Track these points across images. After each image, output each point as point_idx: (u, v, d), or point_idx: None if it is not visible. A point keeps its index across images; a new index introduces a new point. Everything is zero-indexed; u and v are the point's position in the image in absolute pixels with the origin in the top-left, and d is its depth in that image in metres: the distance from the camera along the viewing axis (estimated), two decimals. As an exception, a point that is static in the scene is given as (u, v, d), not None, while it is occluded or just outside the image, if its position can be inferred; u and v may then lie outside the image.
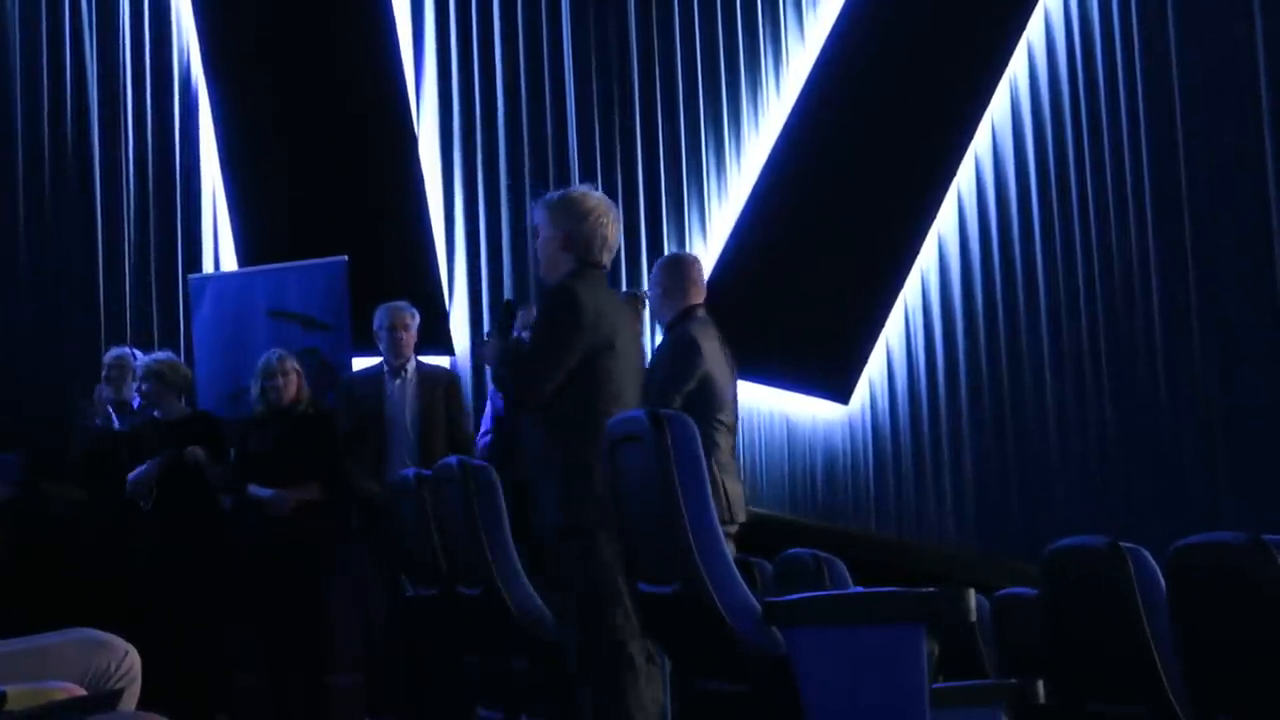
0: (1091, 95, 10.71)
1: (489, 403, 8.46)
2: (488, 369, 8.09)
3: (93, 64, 10.12)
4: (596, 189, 5.49)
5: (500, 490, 5.58)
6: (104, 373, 8.61)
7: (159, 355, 8.51)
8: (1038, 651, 4.89)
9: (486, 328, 5.29)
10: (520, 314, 7.69)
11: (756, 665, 3.76)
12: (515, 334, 5.46)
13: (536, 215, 5.38)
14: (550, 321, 5.18)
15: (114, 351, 8.74)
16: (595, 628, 4.95)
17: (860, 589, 5.19)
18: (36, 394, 9.53)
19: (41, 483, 8.77)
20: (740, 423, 10.39)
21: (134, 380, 8.51)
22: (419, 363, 8.45)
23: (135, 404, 8.59)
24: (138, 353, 8.72)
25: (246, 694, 8.16)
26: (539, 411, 5.17)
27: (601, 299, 5.26)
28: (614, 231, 5.33)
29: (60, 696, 3.16)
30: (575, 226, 5.25)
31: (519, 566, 5.46)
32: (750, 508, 9.84)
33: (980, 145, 10.75)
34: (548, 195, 5.46)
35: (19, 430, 9.05)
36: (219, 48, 10.28)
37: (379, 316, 8.33)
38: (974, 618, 3.67)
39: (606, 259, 5.34)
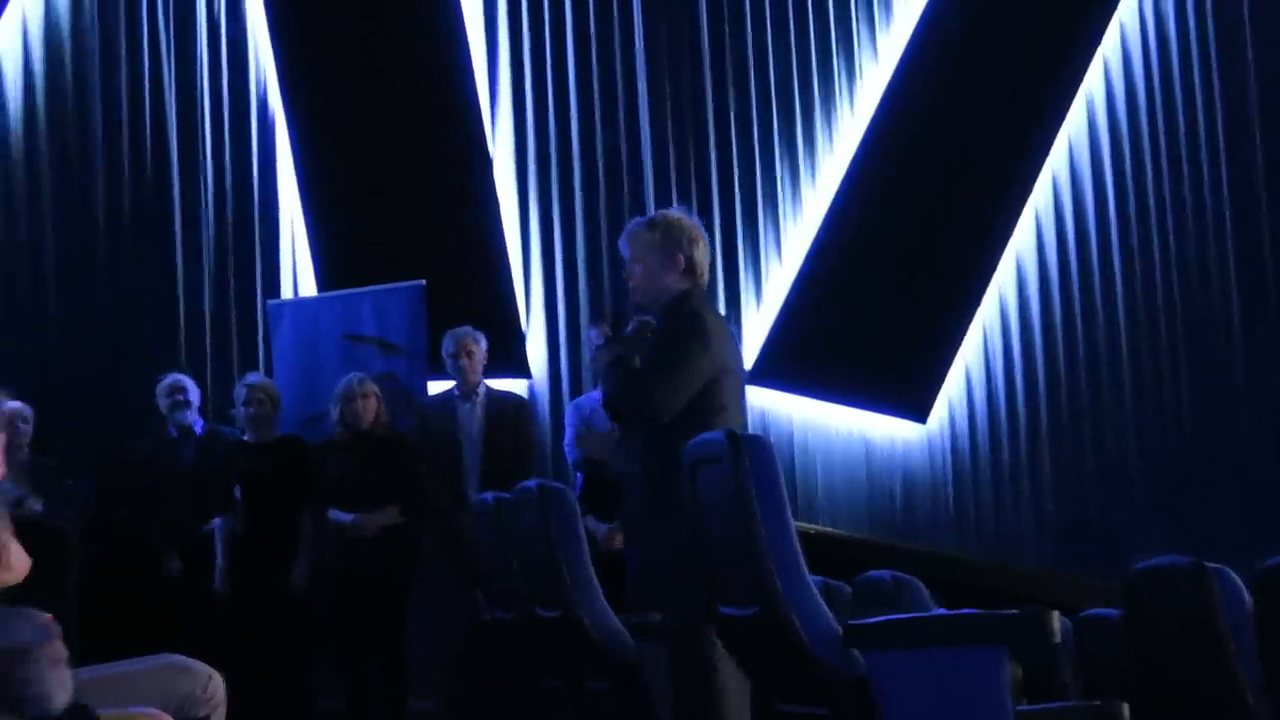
0: (1168, 111, 10.64)
1: (575, 415, 8.42)
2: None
3: (171, 92, 10.21)
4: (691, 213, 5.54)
5: (579, 513, 5.57)
6: (170, 398, 8.60)
7: (262, 378, 8.58)
8: (1121, 673, 4.85)
9: (589, 348, 5.31)
10: (594, 333, 7.69)
11: (837, 688, 3.74)
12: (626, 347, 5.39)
13: (640, 238, 5.33)
14: (679, 340, 5.11)
15: (175, 378, 8.72)
16: (694, 648, 4.91)
17: (941, 611, 5.14)
18: (115, 421, 9.58)
19: (118, 509, 8.82)
20: (816, 442, 10.46)
21: (192, 407, 8.57)
22: (488, 388, 8.47)
23: (199, 429, 8.62)
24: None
25: (328, 718, 8.18)
26: (656, 431, 5.08)
27: (722, 324, 5.30)
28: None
29: (147, 722, 3.18)
30: (691, 250, 5.26)
31: (598, 588, 5.45)
32: (829, 528, 9.85)
33: (1057, 163, 10.70)
34: (652, 217, 5.47)
35: (97, 457, 9.10)
36: (295, 75, 10.36)
37: (445, 343, 8.37)
38: (1058, 640, 3.63)
39: (705, 282, 5.40)
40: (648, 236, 5.30)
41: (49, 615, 1.86)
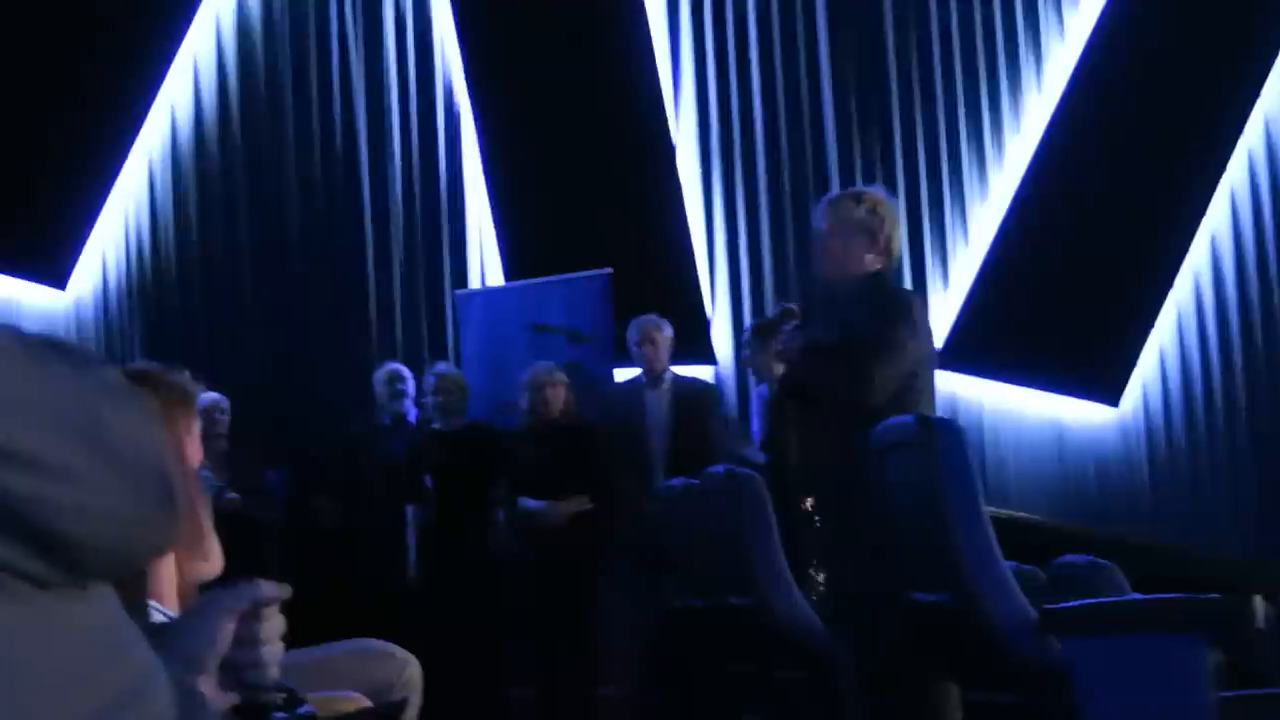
0: (1369, 82, 10.36)
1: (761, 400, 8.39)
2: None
3: (360, 89, 10.36)
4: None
5: (769, 500, 5.55)
6: (389, 386, 8.75)
7: (450, 367, 8.69)
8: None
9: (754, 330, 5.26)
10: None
11: (1033, 675, 3.69)
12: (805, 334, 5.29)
13: (841, 211, 5.23)
14: (891, 324, 4.98)
15: (394, 367, 8.91)
16: (885, 635, 4.85)
17: (1140, 596, 5.05)
18: (309, 411, 9.76)
19: (312, 498, 8.95)
20: (1007, 426, 10.33)
21: (409, 395, 8.71)
22: (675, 375, 8.46)
23: (412, 418, 8.76)
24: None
25: (518, 705, 8.25)
26: (848, 416, 4.93)
27: (924, 309, 5.20)
28: None
29: (349, 707, 3.22)
30: (892, 231, 5.17)
31: (789, 576, 5.43)
32: (1022, 513, 9.71)
33: (1253, 139, 10.46)
34: (857, 190, 5.38)
35: (292, 446, 9.27)
36: (481, 68, 10.46)
37: (630, 331, 8.37)
38: (1261, 625, 3.55)
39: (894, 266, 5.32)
40: (851, 211, 5.19)
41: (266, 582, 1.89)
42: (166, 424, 2.06)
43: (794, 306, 5.41)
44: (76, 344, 1.28)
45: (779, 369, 7.62)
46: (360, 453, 8.67)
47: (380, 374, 8.84)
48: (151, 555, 1.33)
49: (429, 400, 8.43)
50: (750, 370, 8.36)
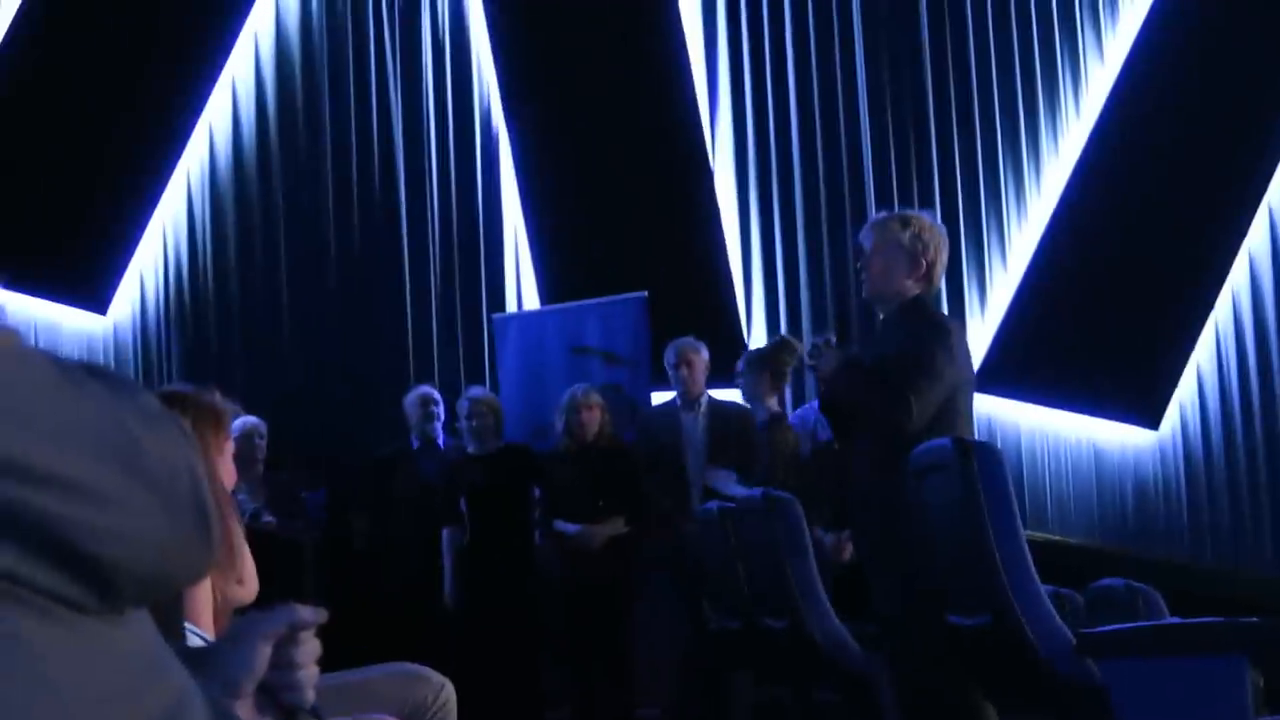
0: None
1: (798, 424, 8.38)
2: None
3: (397, 112, 10.41)
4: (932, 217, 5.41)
5: (804, 522, 5.54)
6: (423, 409, 8.78)
7: (484, 392, 8.69)
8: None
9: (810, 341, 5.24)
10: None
11: (1071, 698, 3.68)
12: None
13: (886, 232, 5.21)
14: (929, 349, 4.97)
15: (427, 389, 8.93)
16: (922, 659, 4.84)
17: (1177, 619, 5.03)
18: (346, 435, 9.79)
19: (349, 518, 8.97)
20: (1045, 449, 10.29)
21: (440, 419, 8.73)
22: (711, 398, 8.45)
23: (441, 441, 8.77)
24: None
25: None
26: (886, 439, 4.92)
27: (961, 333, 5.19)
28: None
29: (383, 730, 3.22)
30: (935, 256, 5.16)
31: (824, 598, 5.43)
32: (1059, 536, 9.66)
33: (1291, 158, 10.41)
34: (904, 213, 5.37)
35: (328, 468, 9.30)
36: (518, 91, 10.49)
37: (667, 353, 8.37)
38: (1301, 648, 3.54)
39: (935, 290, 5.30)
40: (896, 233, 5.18)
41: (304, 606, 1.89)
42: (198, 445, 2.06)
43: (791, 339, 5.42)
44: (111, 369, 1.28)
45: (771, 399, 7.68)
46: (392, 475, 8.70)
47: (412, 397, 8.86)
48: (187, 579, 1.34)
49: (463, 425, 8.43)
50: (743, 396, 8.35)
